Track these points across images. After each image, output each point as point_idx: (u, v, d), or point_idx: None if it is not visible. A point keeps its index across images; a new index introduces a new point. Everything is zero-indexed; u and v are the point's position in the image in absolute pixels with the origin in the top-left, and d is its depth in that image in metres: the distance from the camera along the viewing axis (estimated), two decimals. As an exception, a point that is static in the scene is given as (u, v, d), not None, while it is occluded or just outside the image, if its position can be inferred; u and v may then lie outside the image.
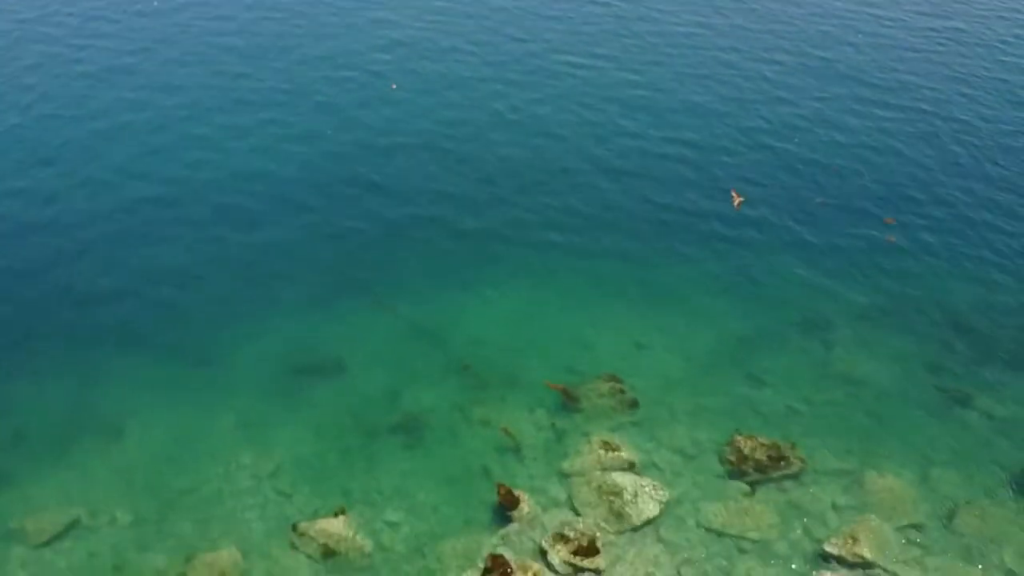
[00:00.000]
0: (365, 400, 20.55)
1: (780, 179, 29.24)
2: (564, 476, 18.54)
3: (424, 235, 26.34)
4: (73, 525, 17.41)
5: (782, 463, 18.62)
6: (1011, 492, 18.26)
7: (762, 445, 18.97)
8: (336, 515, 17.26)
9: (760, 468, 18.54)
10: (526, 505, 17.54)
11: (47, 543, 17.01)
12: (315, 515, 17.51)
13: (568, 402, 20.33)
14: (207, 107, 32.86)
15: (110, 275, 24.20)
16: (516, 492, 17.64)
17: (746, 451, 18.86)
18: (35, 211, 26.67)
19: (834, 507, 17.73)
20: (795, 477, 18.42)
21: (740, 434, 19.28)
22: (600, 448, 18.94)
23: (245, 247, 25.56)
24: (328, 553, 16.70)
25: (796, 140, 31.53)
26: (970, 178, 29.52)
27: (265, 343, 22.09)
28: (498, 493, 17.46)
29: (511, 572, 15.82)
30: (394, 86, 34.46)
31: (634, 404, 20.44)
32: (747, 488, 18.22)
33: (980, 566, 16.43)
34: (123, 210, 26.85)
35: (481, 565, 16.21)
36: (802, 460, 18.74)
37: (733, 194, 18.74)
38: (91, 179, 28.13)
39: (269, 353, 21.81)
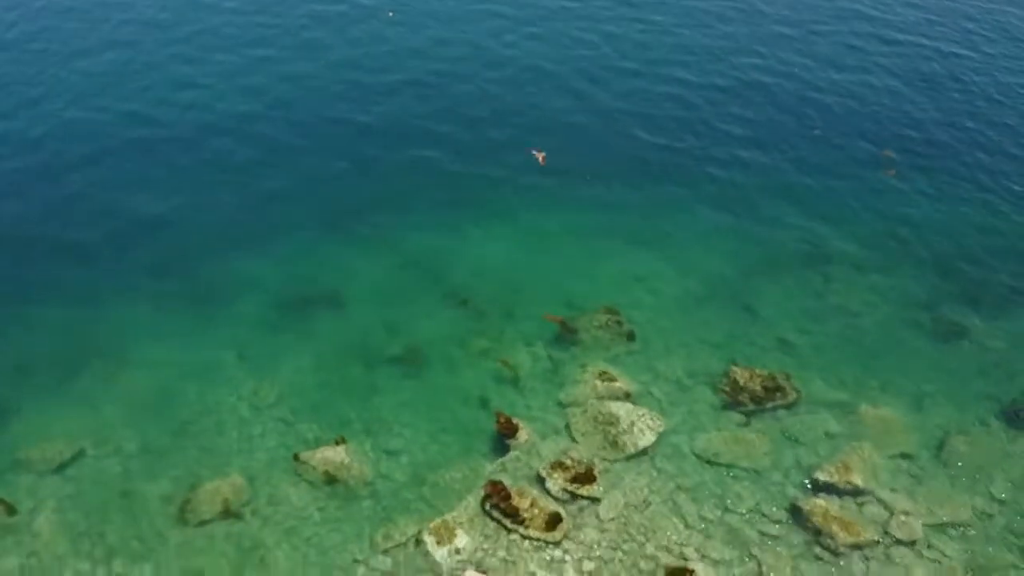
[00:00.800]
0: (364, 332, 20.68)
1: (776, 116, 28.95)
2: (561, 406, 18.79)
3: (421, 170, 26.10)
4: (79, 454, 17.73)
5: (777, 394, 18.84)
6: (1002, 422, 18.54)
7: (758, 376, 19.16)
8: (337, 444, 17.56)
9: (755, 398, 18.78)
10: (524, 434, 17.82)
11: (55, 471, 17.35)
12: (316, 444, 17.81)
13: (566, 334, 20.47)
14: (198, 45, 32.20)
15: (105, 214, 24.05)
16: (514, 421, 17.90)
17: (742, 382, 19.07)
18: (26, 152, 26.37)
19: (827, 436, 18.02)
20: (789, 407, 18.67)
21: (736, 365, 19.45)
22: (597, 379, 19.14)
23: (237, 185, 25.33)
24: (330, 480, 17.03)
25: (793, 77, 31.05)
26: (969, 115, 29.20)
27: (263, 277, 22.12)
28: (497, 422, 17.72)
29: (509, 498, 16.15)
30: (391, 14, 33.74)
31: (631, 336, 20.59)
32: (742, 418, 18.48)
33: (968, 494, 16.77)
34: (115, 150, 26.55)
35: (480, 492, 16.55)
36: (797, 391, 18.97)
37: (535, 153, 18.64)
38: (81, 119, 27.75)
39: (267, 287, 21.87)
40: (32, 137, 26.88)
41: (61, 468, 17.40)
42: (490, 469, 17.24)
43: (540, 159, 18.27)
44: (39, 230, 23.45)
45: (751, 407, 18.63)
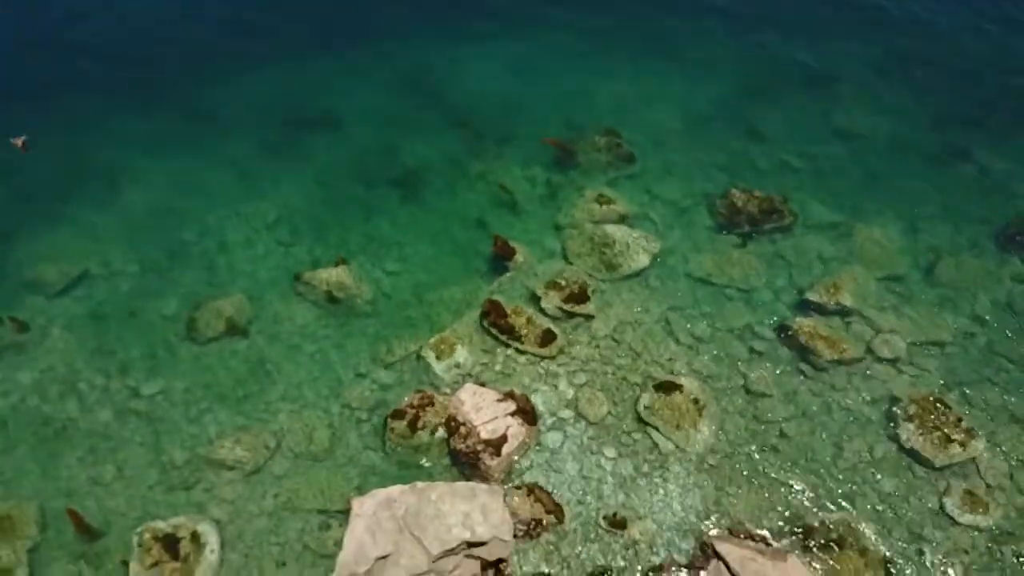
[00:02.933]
0: (361, 154, 20.50)
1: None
2: (558, 228, 18.92)
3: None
4: (84, 276, 18.06)
5: (774, 216, 18.91)
6: (993, 244, 18.71)
7: (756, 198, 19.15)
8: (337, 265, 17.82)
9: (752, 221, 18.86)
10: (521, 256, 18.05)
11: (61, 292, 17.74)
12: (316, 265, 18.08)
13: (564, 157, 20.27)
14: None
15: (92, 36, 23.18)
16: (512, 243, 18.08)
17: (739, 204, 19.07)
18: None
19: (820, 258, 18.26)
20: (785, 230, 18.80)
21: (735, 188, 19.38)
22: (594, 202, 19.14)
23: (230, 7, 24.21)
24: (331, 299, 17.45)
25: None
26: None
27: (259, 99, 21.70)
28: (494, 245, 17.89)
29: (506, 316, 16.61)
30: None
31: (630, 158, 20.40)
32: (737, 240, 18.65)
33: (953, 315, 17.20)
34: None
35: (478, 310, 16.99)
36: (794, 214, 19.03)
37: (16, 142, 17.66)
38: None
39: (264, 108, 21.49)
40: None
41: (68, 289, 17.80)
42: (488, 289, 17.61)
43: (21, 146, 17.46)
44: (24, 50, 22.68)
45: (747, 229, 18.76)
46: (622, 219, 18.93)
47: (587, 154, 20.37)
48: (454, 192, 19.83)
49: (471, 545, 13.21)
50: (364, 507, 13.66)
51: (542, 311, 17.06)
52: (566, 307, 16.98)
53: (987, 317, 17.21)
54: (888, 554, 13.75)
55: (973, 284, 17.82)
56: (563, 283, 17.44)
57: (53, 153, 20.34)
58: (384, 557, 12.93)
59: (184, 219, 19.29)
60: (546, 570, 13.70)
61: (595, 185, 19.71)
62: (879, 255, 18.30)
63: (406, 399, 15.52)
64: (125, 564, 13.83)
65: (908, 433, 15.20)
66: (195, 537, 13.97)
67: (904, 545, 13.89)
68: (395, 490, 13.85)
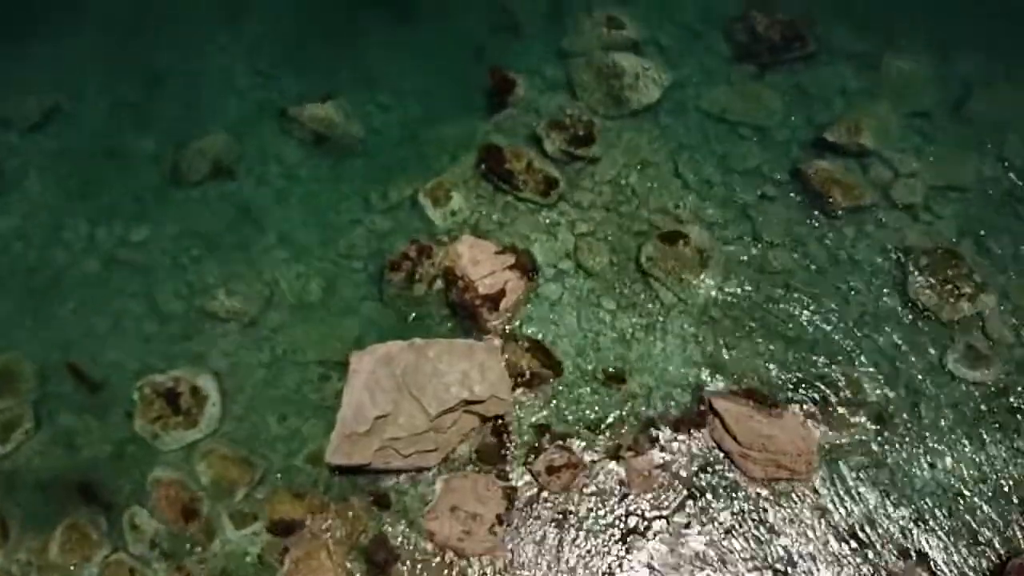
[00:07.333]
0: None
1: None
2: (563, 56, 17.41)
3: None
4: (54, 110, 16.99)
5: (796, 43, 17.35)
6: (1030, 74, 17.29)
7: (778, 23, 17.49)
8: (323, 101, 16.59)
9: (772, 49, 17.34)
10: (522, 89, 16.79)
11: (32, 129, 16.76)
12: (302, 100, 16.83)
13: (571, -31, 18.32)
14: None
15: None
16: (510, 76, 16.76)
17: (760, 29, 17.45)
18: None
19: (843, 92, 16.92)
20: (808, 59, 17.29)
21: (756, 10, 17.64)
22: (604, 25, 17.51)
23: None
24: (320, 139, 16.46)
25: None
26: None
27: None
28: (491, 79, 16.59)
29: (505, 162, 15.73)
30: None
31: (644, -28, 18.46)
32: (755, 71, 17.23)
33: (978, 154, 16.20)
34: None
35: (475, 153, 16.06)
36: (819, 40, 17.42)
37: None
38: None
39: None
40: None
41: (39, 126, 16.78)
42: (485, 128, 16.52)
43: None
44: None
45: (767, 59, 17.29)
46: (633, 45, 17.39)
47: (597, -36, 18.40)
48: (448, 13, 18.08)
49: (469, 403, 13.31)
50: (362, 363, 13.64)
51: (543, 153, 16.10)
52: (569, 149, 16.02)
53: (1014, 159, 16.23)
54: (885, 407, 13.87)
55: (1004, 121, 16.63)
56: (566, 122, 16.35)
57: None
58: (383, 416, 13.07)
59: (156, 42, 17.80)
60: (544, 423, 13.90)
61: (605, 4, 17.91)
62: (906, 88, 16.95)
63: (403, 250, 15.03)
64: (129, 416, 14.04)
65: (917, 286, 14.83)
66: (195, 391, 14.07)
67: (901, 399, 13.99)
68: (394, 347, 13.77)
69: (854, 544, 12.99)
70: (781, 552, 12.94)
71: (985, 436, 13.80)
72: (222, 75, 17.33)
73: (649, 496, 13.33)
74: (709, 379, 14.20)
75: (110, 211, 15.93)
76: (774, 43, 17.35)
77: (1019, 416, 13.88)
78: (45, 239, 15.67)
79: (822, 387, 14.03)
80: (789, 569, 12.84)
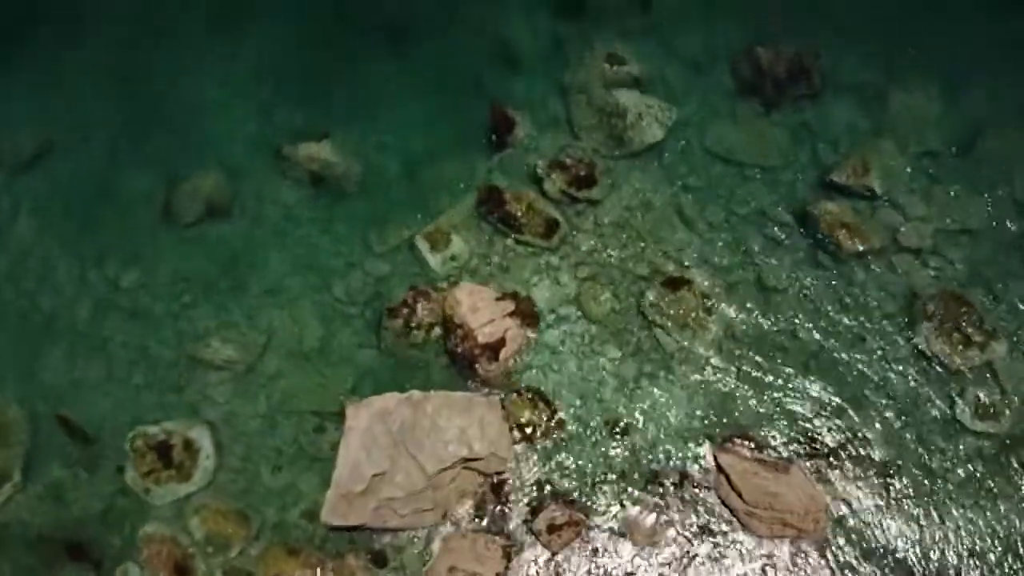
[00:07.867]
0: (340, -1, 18.20)
1: None
2: (563, 91, 17.05)
3: None
4: (47, 147, 16.65)
5: (802, 79, 17.01)
6: (1042, 113, 16.93)
7: (783, 57, 17.13)
8: (320, 139, 16.24)
9: (777, 84, 17.00)
10: (522, 128, 16.44)
11: (25, 167, 16.44)
12: (298, 134, 16.48)
13: (572, 2, 17.98)
14: None
15: None
16: (510, 113, 16.43)
17: (764, 64, 17.11)
18: None
19: (849, 131, 16.51)
20: (813, 96, 16.93)
21: (761, 45, 17.29)
22: (605, 61, 17.15)
23: None
24: (316, 179, 16.15)
25: None
26: None
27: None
28: (491, 116, 16.27)
29: (505, 204, 15.40)
30: None
31: (646, 4, 18.10)
32: (760, 108, 16.90)
33: (987, 197, 15.84)
34: None
35: (475, 194, 15.74)
36: (824, 75, 17.04)
37: None
38: None
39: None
40: None
41: (30, 164, 16.46)
42: (485, 167, 16.19)
43: None
44: None
45: (772, 95, 16.95)
46: (635, 81, 17.05)
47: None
48: (447, 45, 17.73)
49: (468, 460, 13.01)
50: (359, 418, 13.36)
51: (544, 194, 15.78)
52: (570, 191, 15.69)
53: (1024, 201, 15.91)
54: (894, 462, 13.56)
55: (1015, 161, 16.28)
56: (568, 161, 16.02)
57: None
58: (380, 474, 12.77)
59: (150, 75, 17.48)
60: (545, 479, 13.58)
61: (606, 38, 17.55)
62: (914, 126, 16.57)
63: (401, 297, 14.71)
64: (120, 469, 13.75)
65: (926, 333, 14.51)
66: (188, 444, 13.76)
67: (910, 452, 13.67)
68: (391, 400, 13.48)
69: (862, 606, 12.70)
70: (787, 614, 12.66)
71: (995, 489, 13.49)
72: (218, 109, 17.01)
73: (652, 555, 13.02)
74: (714, 431, 13.89)
75: (102, 253, 15.64)
76: (779, 78, 17.00)
77: (1031, 470, 13.59)
78: (35, 283, 15.40)
79: (829, 442, 13.72)
80: (796, 632, 12.55)
